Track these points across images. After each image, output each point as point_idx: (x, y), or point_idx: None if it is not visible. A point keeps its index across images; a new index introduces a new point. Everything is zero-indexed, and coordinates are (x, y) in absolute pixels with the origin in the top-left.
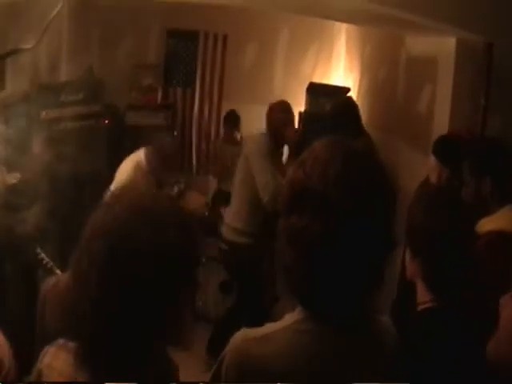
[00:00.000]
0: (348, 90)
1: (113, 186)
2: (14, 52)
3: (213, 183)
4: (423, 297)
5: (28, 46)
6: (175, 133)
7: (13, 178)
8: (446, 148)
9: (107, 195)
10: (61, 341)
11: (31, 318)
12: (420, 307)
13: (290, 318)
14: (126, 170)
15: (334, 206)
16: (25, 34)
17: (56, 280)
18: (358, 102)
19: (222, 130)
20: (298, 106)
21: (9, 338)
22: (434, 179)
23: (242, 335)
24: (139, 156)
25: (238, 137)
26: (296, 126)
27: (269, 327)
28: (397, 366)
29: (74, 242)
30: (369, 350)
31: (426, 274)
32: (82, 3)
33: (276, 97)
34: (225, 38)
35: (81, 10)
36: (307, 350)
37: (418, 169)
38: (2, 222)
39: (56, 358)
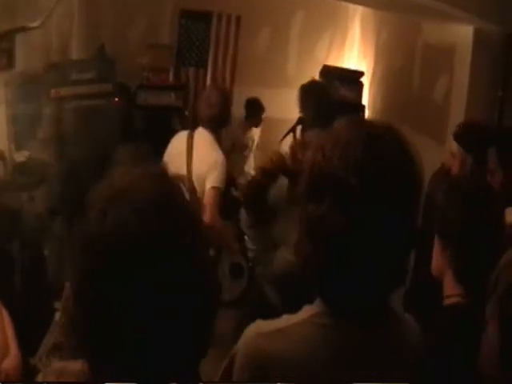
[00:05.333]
0: (362, 74)
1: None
2: (21, 30)
3: None
4: (452, 290)
5: (35, 25)
6: (186, 113)
7: (21, 157)
8: (470, 135)
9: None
10: None
11: (36, 294)
12: (447, 301)
13: (308, 311)
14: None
15: (355, 192)
16: (33, 12)
17: None
18: (371, 89)
19: (234, 112)
20: None
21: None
22: (455, 168)
23: (255, 329)
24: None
25: (256, 124)
26: None
27: (284, 320)
28: (419, 365)
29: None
30: (389, 348)
31: (456, 266)
32: None
33: (289, 80)
34: (238, 19)
35: None
36: (324, 345)
37: (433, 158)
38: (10, 200)
39: None
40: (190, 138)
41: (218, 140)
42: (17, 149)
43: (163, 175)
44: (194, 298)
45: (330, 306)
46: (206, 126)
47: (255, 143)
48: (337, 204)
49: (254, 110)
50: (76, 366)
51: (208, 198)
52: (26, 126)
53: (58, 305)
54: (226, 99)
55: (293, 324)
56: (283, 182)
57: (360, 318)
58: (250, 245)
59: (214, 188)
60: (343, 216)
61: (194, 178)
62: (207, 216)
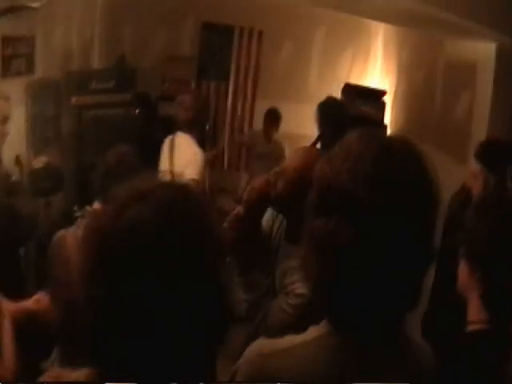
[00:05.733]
0: (384, 92)
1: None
2: (19, 9)
3: (244, 179)
4: (477, 315)
5: (35, 5)
6: (207, 127)
7: (39, 162)
8: (493, 153)
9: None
10: None
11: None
12: (471, 327)
13: (314, 331)
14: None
15: (365, 208)
16: None
17: (64, 233)
18: (393, 106)
19: (255, 125)
20: None
21: None
22: (476, 188)
23: (258, 348)
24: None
25: (274, 136)
26: None
27: (288, 340)
28: None
29: None
30: (399, 372)
31: (485, 292)
32: None
33: (310, 96)
34: (260, 33)
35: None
36: (330, 367)
37: (454, 177)
38: (27, 206)
39: None
40: (172, 141)
41: (200, 141)
42: (35, 154)
43: (187, 187)
44: (207, 302)
45: (338, 326)
46: (183, 129)
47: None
48: (346, 218)
49: (271, 119)
50: (72, 374)
51: None
52: (44, 132)
53: None
54: (199, 103)
55: (297, 344)
56: (270, 213)
57: (369, 340)
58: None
59: (192, 180)
60: (352, 231)
61: (176, 175)
62: None
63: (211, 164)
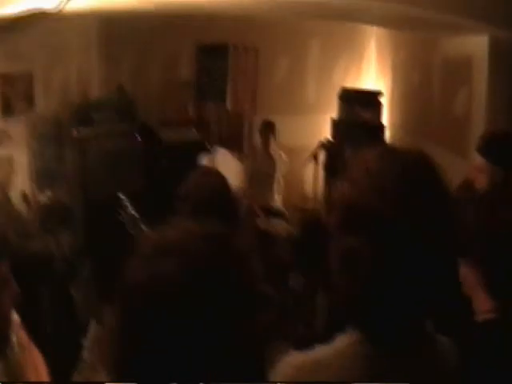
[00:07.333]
0: (381, 94)
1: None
2: (32, 17)
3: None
4: (484, 306)
5: (51, 9)
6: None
7: (44, 197)
8: (499, 146)
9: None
10: None
11: (65, 333)
12: (481, 317)
13: (343, 340)
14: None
15: (391, 224)
16: None
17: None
18: (391, 108)
19: (256, 141)
20: (332, 113)
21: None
22: (480, 182)
23: (291, 361)
24: None
25: (274, 149)
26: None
27: (319, 351)
28: None
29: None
30: (430, 375)
31: (489, 284)
32: (111, 22)
33: (309, 107)
34: (255, 51)
35: (110, 29)
36: (363, 375)
37: (454, 173)
38: (38, 245)
39: None
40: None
41: None
42: (39, 189)
43: (218, 236)
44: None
45: (368, 334)
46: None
47: (280, 171)
48: (372, 235)
49: (266, 131)
50: None
51: None
52: (47, 167)
53: (84, 341)
54: None
55: (328, 354)
56: None
57: (396, 345)
58: None
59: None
60: (378, 247)
61: None
62: None
63: None
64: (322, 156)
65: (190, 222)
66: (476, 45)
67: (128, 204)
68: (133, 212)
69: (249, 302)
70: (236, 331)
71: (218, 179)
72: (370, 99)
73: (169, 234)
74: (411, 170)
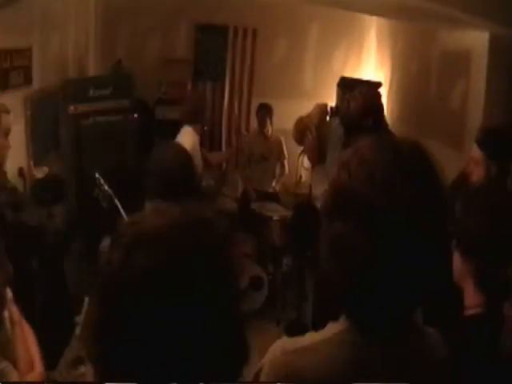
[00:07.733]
0: (380, 84)
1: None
2: None
3: (242, 179)
4: (472, 300)
5: None
6: (205, 128)
7: (40, 172)
8: (496, 140)
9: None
10: None
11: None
12: (469, 312)
13: (333, 328)
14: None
15: (381, 212)
16: None
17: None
18: (389, 98)
19: (252, 124)
20: (329, 101)
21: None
22: (476, 175)
23: (281, 347)
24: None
25: (270, 130)
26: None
27: (309, 338)
28: (444, 377)
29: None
30: (417, 364)
31: (478, 275)
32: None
33: (306, 92)
34: (254, 32)
35: (109, 5)
36: (351, 362)
37: (451, 166)
38: (30, 217)
39: None
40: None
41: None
42: (35, 165)
43: (201, 222)
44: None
45: (357, 322)
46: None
47: (278, 153)
48: (362, 223)
49: (263, 113)
50: None
51: None
52: (44, 142)
53: (78, 319)
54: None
55: (319, 341)
56: None
57: (385, 334)
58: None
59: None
60: (368, 233)
61: None
62: None
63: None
64: None
65: (164, 206)
66: (475, 40)
67: (102, 181)
68: (107, 188)
69: (228, 288)
70: (218, 319)
71: (179, 153)
72: (370, 89)
73: (147, 223)
74: (405, 159)
